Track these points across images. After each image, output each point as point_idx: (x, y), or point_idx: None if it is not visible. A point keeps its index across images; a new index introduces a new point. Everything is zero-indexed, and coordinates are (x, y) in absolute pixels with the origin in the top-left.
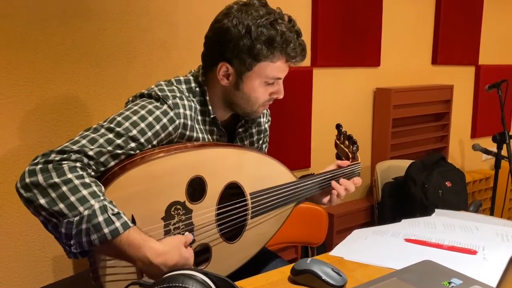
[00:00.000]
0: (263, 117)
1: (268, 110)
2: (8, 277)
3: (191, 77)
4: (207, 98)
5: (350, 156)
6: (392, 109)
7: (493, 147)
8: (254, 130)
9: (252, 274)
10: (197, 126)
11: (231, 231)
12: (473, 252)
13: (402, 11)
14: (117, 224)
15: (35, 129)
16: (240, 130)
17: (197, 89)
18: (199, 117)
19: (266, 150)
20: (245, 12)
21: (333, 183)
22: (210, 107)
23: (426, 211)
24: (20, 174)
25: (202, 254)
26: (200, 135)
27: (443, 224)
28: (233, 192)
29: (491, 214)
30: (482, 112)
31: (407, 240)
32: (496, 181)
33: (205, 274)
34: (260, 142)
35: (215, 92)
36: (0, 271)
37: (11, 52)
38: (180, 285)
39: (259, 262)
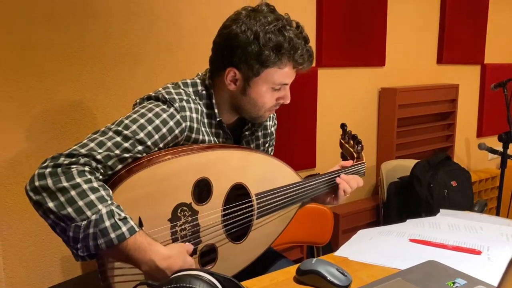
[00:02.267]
0: (270, 121)
1: (275, 113)
2: (17, 277)
3: (198, 80)
4: (214, 101)
5: (355, 155)
6: (397, 108)
7: (499, 146)
8: (260, 133)
9: (258, 274)
10: (203, 128)
11: (237, 231)
12: (477, 252)
13: (407, 11)
14: (124, 229)
15: (43, 131)
16: (246, 133)
17: (204, 92)
18: (205, 120)
19: (272, 153)
20: (253, 18)
21: (338, 179)
22: (216, 110)
23: (431, 211)
24: (29, 175)
25: (209, 254)
26: (206, 138)
27: (447, 224)
28: (238, 193)
29: (497, 213)
30: (488, 111)
31: (412, 240)
32: (502, 180)
33: (212, 274)
34: (266, 145)
35: (222, 95)
36: (10, 271)
37: (20, 55)
38: (187, 285)
39: (265, 262)
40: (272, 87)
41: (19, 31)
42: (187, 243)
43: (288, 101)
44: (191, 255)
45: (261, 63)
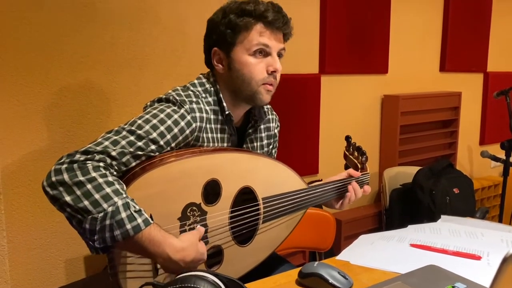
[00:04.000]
0: (272, 122)
1: (277, 116)
2: (22, 279)
3: (204, 79)
4: (221, 95)
5: (359, 166)
6: (400, 116)
7: (502, 154)
8: (264, 134)
9: (261, 278)
10: (208, 125)
11: (243, 234)
12: (477, 258)
13: (410, 18)
14: (139, 220)
15: (49, 135)
16: (250, 131)
17: (212, 88)
18: (212, 116)
19: (275, 154)
20: (226, 4)
21: (350, 186)
22: (224, 104)
23: (433, 218)
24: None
25: (215, 256)
26: (210, 135)
27: (448, 230)
28: (246, 196)
29: (500, 221)
30: (491, 119)
31: (413, 245)
32: (505, 188)
33: (216, 275)
34: (270, 147)
35: (224, 88)
36: (14, 273)
37: (28, 60)
38: (192, 285)
39: (268, 267)
40: (254, 52)
41: (27, 37)
42: (198, 226)
43: (278, 68)
44: None
45: (231, 30)
